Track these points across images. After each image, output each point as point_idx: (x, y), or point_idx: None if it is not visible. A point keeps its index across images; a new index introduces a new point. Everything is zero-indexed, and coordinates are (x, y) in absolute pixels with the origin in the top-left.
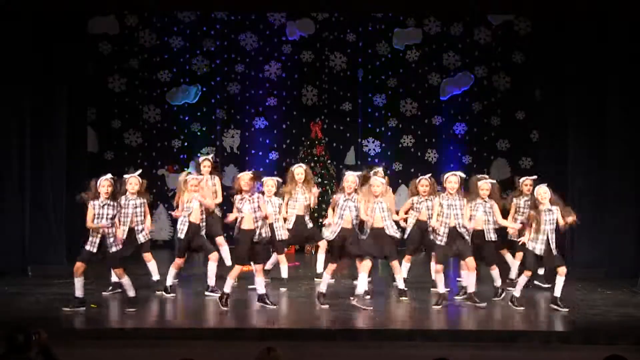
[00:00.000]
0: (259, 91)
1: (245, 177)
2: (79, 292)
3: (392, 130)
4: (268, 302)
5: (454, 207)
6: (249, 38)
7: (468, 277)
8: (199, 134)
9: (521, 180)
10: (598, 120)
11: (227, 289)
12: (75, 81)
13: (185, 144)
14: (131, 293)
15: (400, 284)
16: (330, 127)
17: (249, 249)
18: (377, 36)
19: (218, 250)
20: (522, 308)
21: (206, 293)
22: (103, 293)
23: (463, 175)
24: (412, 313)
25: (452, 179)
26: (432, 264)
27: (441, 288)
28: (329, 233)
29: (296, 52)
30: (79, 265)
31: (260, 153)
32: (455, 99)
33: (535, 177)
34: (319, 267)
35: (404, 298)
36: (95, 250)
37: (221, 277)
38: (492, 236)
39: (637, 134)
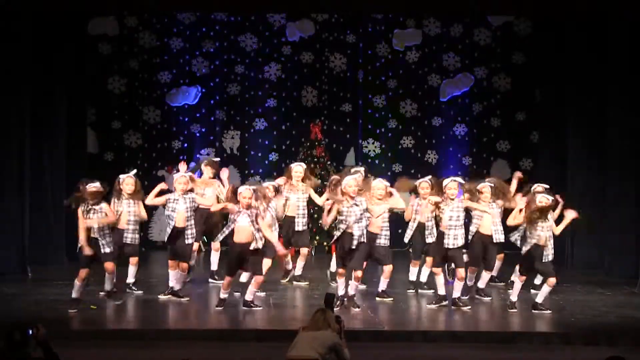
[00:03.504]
0: (259, 92)
1: (246, 193)
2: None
3: (392, 131)
4: (253, 305)
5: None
6: (248, 39)
7: (455, 284)
8: (198, 135)
9: (533, 187)
10: (598, 120)
11: (223, 295)
12: (75, 82)
13: (185, 145)
14: (108, 287)
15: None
16: (330, 128)
17: (242, 260)
18: (377, 37)
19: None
20: (515, 310)
21: (160, 296)
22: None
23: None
24: (412, 314)
25: (452, 185)
26: (425, 267)
27: (440, 289)
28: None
29: (296, 53)
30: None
31: (260, 154)
32: (455, 100)
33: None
34: (298, 271)
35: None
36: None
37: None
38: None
39: (637, 134)
